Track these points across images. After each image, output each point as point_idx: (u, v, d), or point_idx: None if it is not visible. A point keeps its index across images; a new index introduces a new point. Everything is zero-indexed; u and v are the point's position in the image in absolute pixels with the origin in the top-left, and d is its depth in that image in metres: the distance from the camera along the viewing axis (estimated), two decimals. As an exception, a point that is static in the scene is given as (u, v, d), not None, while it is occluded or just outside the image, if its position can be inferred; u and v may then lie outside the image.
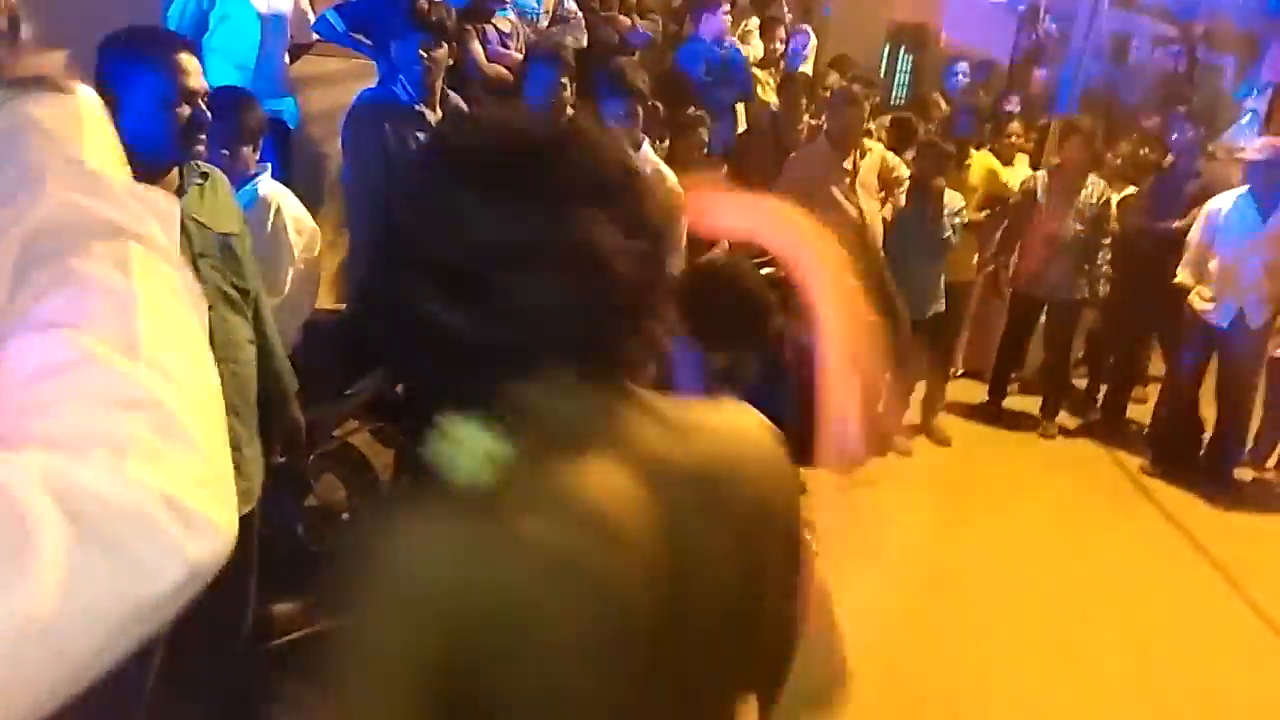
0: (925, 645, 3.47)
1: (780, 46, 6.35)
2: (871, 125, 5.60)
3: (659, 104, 4.34)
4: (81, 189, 0.72)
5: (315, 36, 4.55)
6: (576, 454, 0.93)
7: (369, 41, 4.23)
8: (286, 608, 3.28)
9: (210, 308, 2.20)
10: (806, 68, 6.40)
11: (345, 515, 3.43)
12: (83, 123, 0.76)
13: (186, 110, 2.19)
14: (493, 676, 0.88)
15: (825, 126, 5.12)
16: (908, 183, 5.09)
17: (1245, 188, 5.17)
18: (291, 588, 3.32)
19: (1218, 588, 4.45)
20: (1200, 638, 4.01)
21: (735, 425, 1.08)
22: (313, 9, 4.57)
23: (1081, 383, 6.39)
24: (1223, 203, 5.24)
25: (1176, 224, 5.44)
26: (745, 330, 2.52)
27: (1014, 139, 6.38)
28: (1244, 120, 8.03)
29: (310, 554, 3.30)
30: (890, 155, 5.20)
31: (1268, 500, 5.33)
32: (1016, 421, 5.92)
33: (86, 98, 0.78)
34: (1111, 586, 4.29)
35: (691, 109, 4.72)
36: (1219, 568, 4.61)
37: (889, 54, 8.71)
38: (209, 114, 2.25)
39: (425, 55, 3.49)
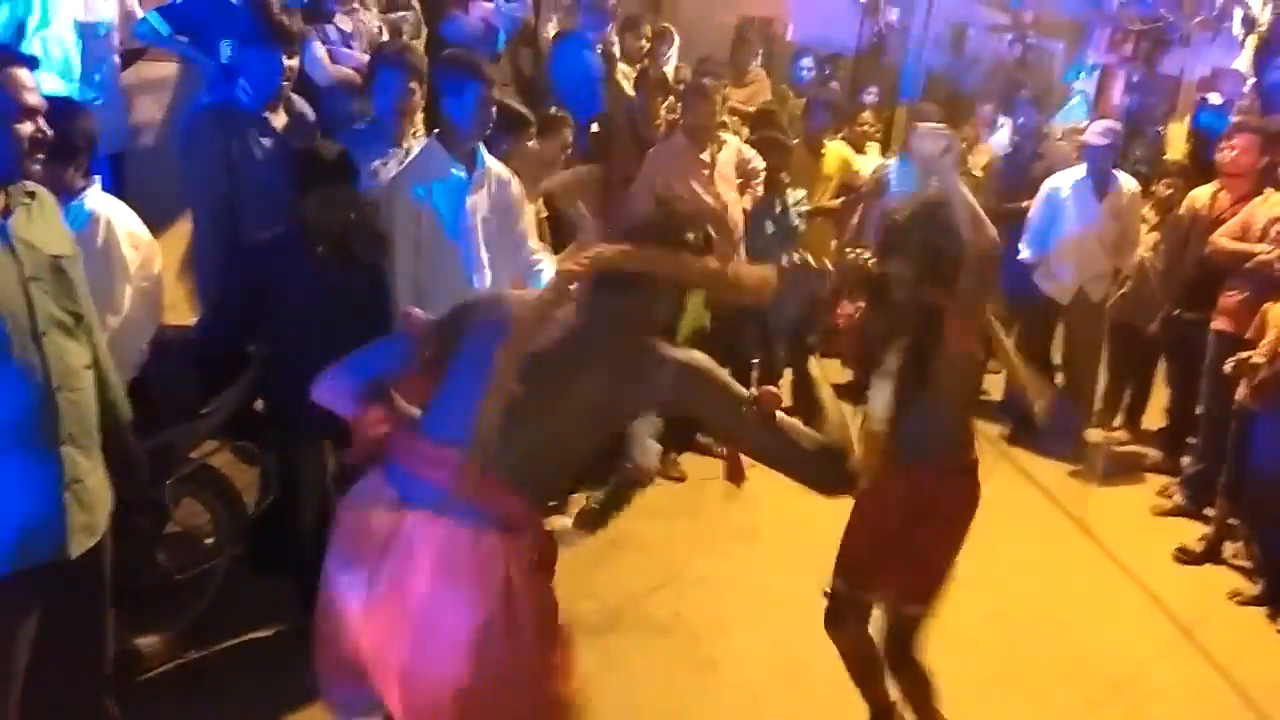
0: (798, 623, 3.52)
1: (644, 44, 6.37)
2: (726, 117, 5.69)
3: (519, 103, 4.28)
4: None
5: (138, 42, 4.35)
6: None
7: (195, 44, 4.09)
8: (152, 640, 3.15)
9: (43, 334, 2.12)
10: (669, 68, 6.44)
11: (209, 540, 3.29)
12: None
13: (28, 127, 2.11)
14: None
15: (681, 121, 5.17)
16: (764, 174, 5.20)
17: (1082, 168, 5.45)
18: (156, 619, 3.18)
19: (1073, 540, 4.70)
20: (1061, 592, 4.22)
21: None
22: (141, 9, 4.36)
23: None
24: (1060, 182, 5.51)
25: (1025, 204, 5.67)
26: None
27: (866, 127, 6.61)
28: (1074, 102, 8.47)
29: (174, 583, 3.17)
30: (745, 147, 5.29)
31: (1113, 458, 5.63)
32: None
33: None
34: (978, 546, 4.45)
35: (554, 109, 4.69)
36: (1075, 520, 4.87)
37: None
38: (49, 131, 2.16)
39: (284, 65, 3.41)
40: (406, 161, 3.55)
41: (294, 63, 3.51)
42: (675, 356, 1.94)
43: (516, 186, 3.56)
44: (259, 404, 3.35)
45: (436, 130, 3.56)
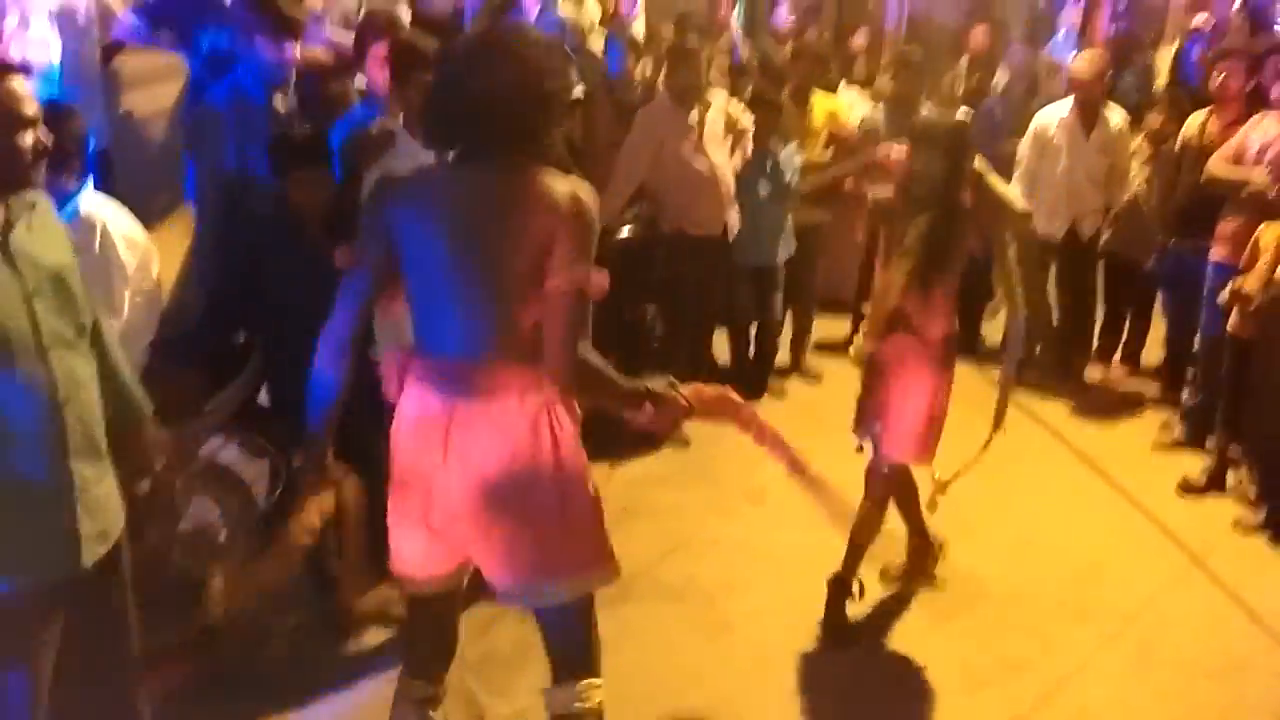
0: (809, 580, 3.56)
1: (610, 2, 6.30)
2: (713, 74, 5.62)
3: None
4: None
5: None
6: None
7: (178, 38, 4.06)
8: (173, 640, 3.18)
9: (49, 349, 2.13)
10: (638, 26, 6.37)
11: (222, 536, 3.32)
12: None
13: (29, 138, 2.11)
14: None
15: (665, 83, 5.11)
16: (752, 131, 5.13)
17: (1069, 102, 5.40)
18: (176, 617, 3.21)
19: (1078, 478, 4.74)
20: (1067, 530, 4.26)
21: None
22: (120, 6, 4.31)
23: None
24: (1048, 118, 5.46)
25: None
26: None
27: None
28: (1060, 35, 8.36)
29: (191, 580, 3.20)
30: (734, 104, 5.22)
31: (1114, 394, 5.64)
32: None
33: None
34: (985, 488, 4.49)
35: None
36: (1080, 457, 4.92)
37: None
38: (48, 139, 2.16)
39: (289, 53, 3.43)
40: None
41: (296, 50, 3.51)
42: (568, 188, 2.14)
43: None
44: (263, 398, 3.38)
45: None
